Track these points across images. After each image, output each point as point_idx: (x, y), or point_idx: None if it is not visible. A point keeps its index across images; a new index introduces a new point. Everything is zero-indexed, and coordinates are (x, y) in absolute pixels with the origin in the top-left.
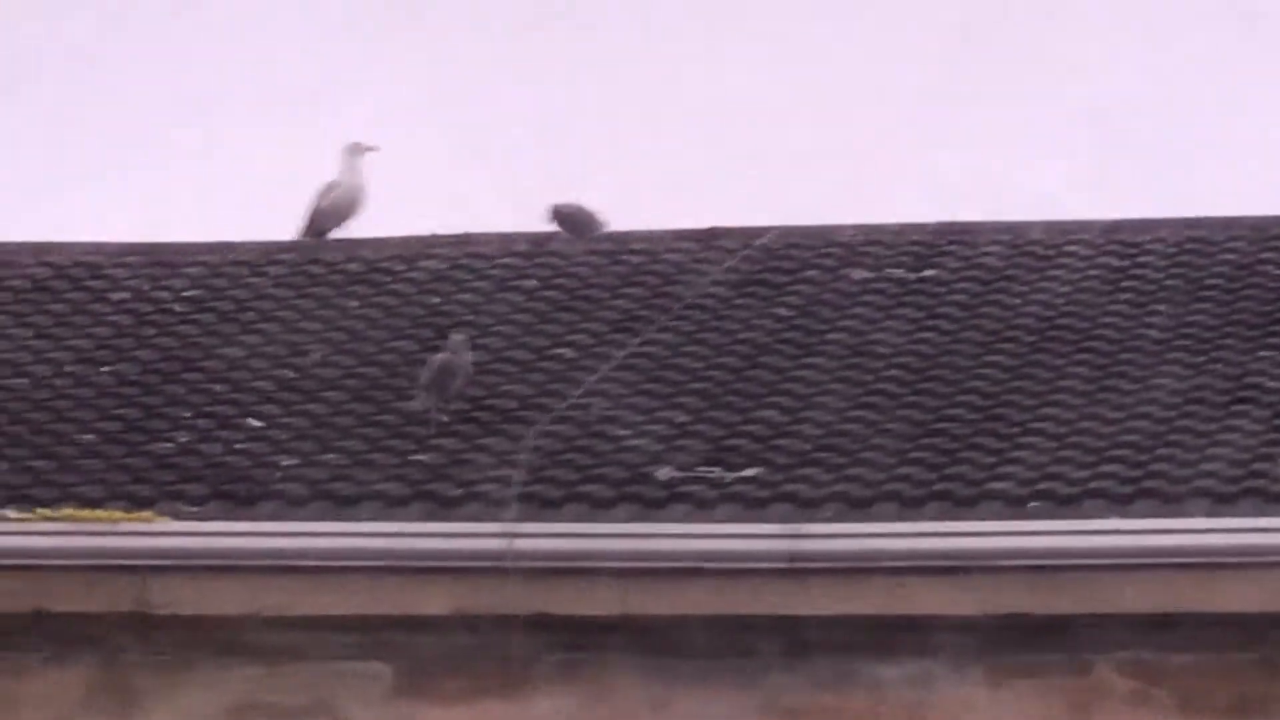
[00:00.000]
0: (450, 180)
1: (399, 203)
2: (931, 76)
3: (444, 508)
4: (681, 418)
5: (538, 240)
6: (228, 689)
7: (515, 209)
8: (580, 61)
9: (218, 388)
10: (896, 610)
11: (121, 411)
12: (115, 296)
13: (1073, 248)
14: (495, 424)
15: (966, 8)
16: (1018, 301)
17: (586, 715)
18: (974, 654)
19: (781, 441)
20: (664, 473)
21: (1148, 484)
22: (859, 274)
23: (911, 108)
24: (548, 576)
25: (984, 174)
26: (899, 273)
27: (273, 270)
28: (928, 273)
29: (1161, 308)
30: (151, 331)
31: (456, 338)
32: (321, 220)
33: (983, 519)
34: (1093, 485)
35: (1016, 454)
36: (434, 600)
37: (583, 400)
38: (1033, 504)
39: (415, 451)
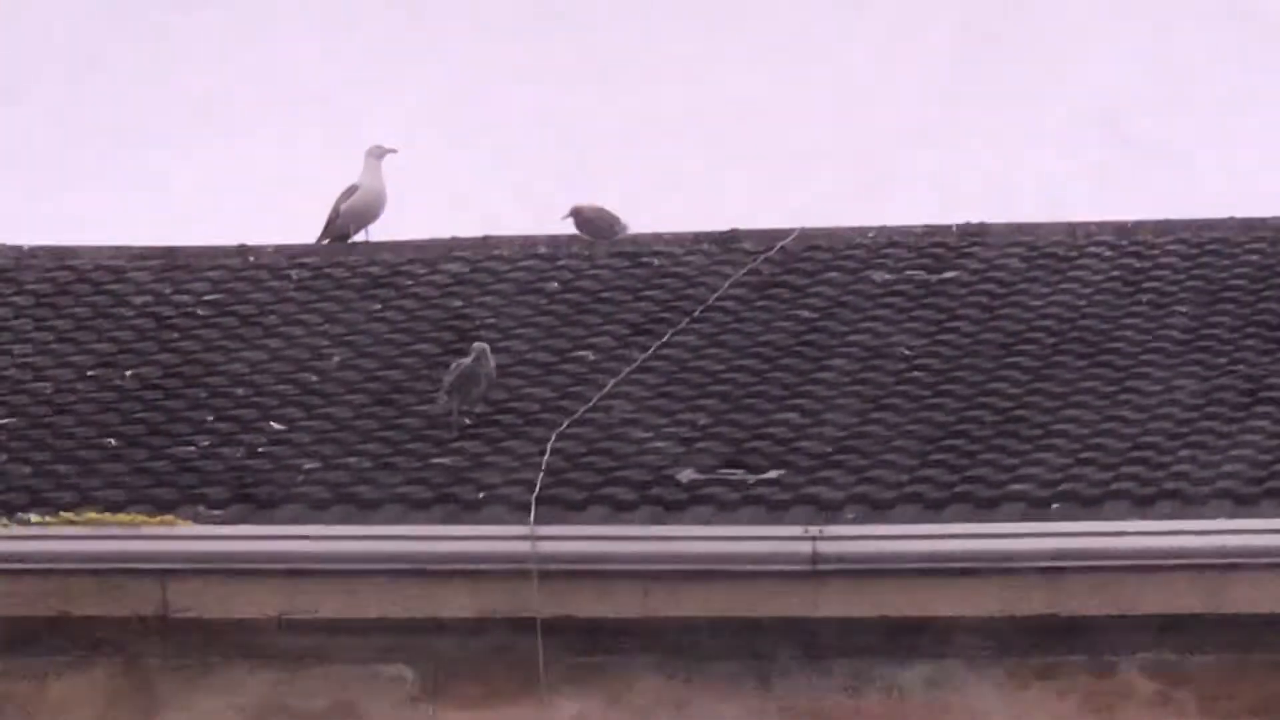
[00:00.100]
0: (466, 184)
1: (416, 206)
2: (938, 77)
3: (465, 511)
4: (702, 420)
5: (558, 243)
6: (249, 692)
7: (532, 212)
8: (591, 65)
9: (239, 391)
10: (917, 612)
11: (143, 415)
12: (137, 300)
13: (1094, 249)
14: (516, 427)
15: (972, 8)
16: (1039, 303)
17: (607, 717)
18: (995, 656)
19: (802, 444)
20: (685, 475)
21: (1169, 485)
22: (880, 276)
23: (918, 108)
24: (569, 579)
25: (991, 174)
26: (920, 274)
27: (294, 274)
28: (949, 274)
29: (1183, 309)
30: (173, 335)
31: (480, 346)
32: (342, 223)
33: (1004, 521)
34: (1114, 487)
35: (1038, 456)
36: (456, 603)
37: (604, 403)
38: (1054, 506)
39: (437, 455)
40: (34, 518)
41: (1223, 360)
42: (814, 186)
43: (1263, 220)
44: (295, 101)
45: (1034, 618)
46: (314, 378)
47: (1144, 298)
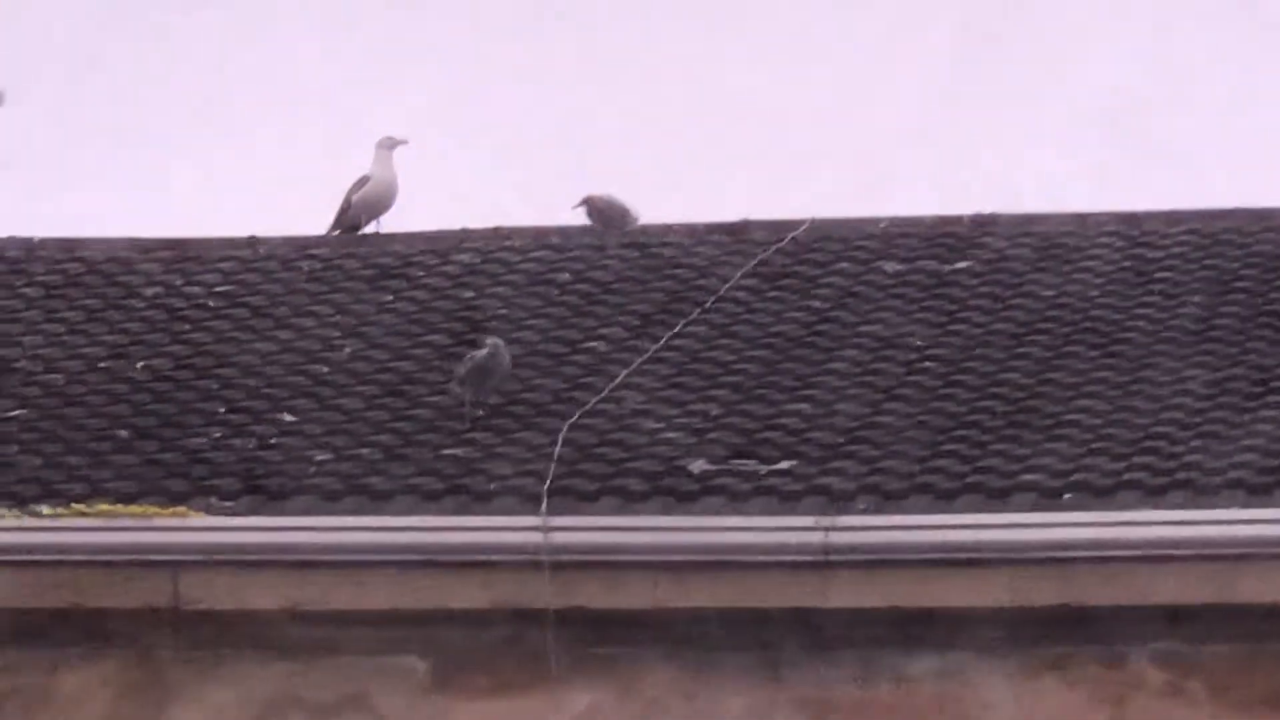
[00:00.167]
0: (470, 183)
1: (425, 196)
2: (941, 73)
3: (477, 502)
4: (714, 411)
5: (569, 234)
6: (261, 684)
7: (536, 210)
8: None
9: (250, 383)
10: (929, 603)
11: (154, 407)
12: (148, 292)
13: (1105, 239)
14: (528, 418)
15: (972, 7)
16: (1050, 294)
17: (619, 708)
18: (1007, 647)
19: (814, 435)
20: (696, 466)
21: (1181, 475)
22: (891, 267)
23: (919, 107)
24: (580, 570)
25: (992, 172)
26: (931, 265)
27: (305, 265)
28: (960, 265)
29: (1194, 299)
30: (184, 327)
31: (495, 341)
32: (354, 214)
33: (1015, 511)
34: (1126, 477)
35: (1049, 446)
36: (467, 594)
37: (615, 394)
38: (1065, 496)
39: (448, 446)
40: (45, 509)
41: (1234, 350)
42: (815, 186)
43: (1274, 210)
44: (297, 101)
45: (1045, 608)
46: (325, 369)
47: (1155, 288)
